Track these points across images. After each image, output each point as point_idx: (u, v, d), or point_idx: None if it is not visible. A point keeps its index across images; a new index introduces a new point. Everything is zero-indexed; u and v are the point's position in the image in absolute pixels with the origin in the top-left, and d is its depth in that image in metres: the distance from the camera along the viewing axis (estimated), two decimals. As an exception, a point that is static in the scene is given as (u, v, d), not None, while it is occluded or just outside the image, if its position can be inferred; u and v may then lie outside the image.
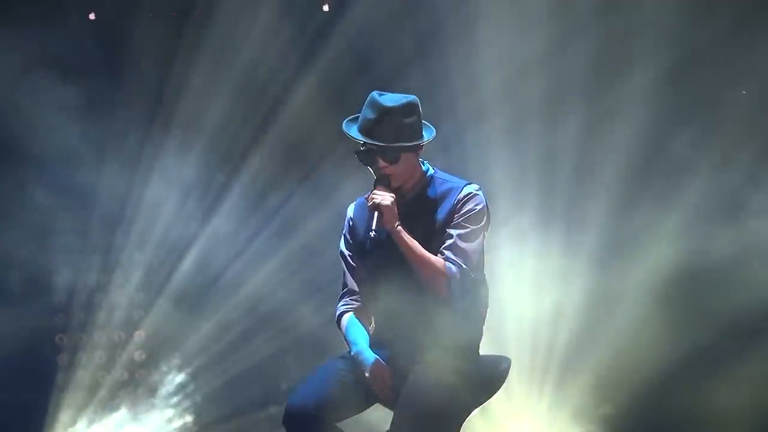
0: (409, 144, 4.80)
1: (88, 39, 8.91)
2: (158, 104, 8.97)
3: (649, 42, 8.51)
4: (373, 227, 4.75)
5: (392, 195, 4.78)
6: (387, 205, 4.74)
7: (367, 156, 4.83)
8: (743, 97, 8.51)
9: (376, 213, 4.76)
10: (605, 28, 8.56)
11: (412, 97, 4.86)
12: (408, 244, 4.74)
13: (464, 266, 4.77)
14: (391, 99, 4.82)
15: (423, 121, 4.89)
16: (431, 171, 4.94)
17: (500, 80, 8.68)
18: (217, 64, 8.94)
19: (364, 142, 4.81)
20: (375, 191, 4.80)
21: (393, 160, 4.81)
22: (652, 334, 8.43)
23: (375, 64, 8.85)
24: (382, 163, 4.82)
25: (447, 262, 4.76)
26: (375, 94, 4.86)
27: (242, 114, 9.04)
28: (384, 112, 4.79)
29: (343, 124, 4.91)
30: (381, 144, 4.78)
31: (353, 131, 4.85)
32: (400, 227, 4.74)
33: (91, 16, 9.06)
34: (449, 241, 4.80)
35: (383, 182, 4.82)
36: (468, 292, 4.80)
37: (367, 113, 4.83)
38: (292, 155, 9.10)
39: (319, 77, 8.94)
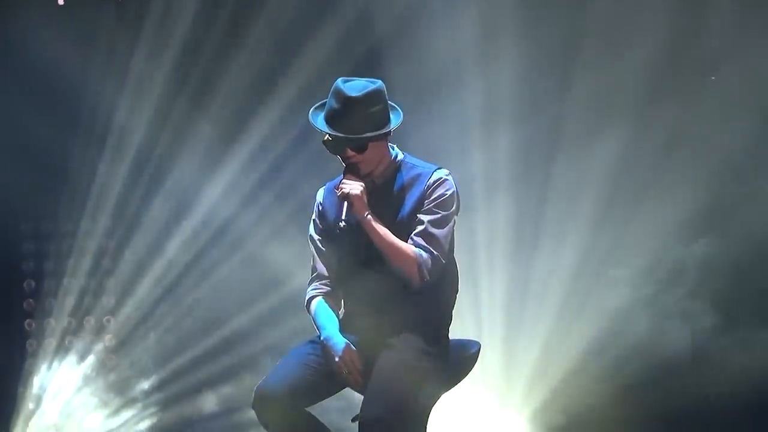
0: (375, 134, 4.76)
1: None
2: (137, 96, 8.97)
3: (631, 37, 8.50)
4: (343, 217, 4.73)
5: (361, 184, 4.76)
6: (356, 195, 4.72)
7: (334, 145, 4.79)
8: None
9: (345, 202, 4.74)
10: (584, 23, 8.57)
11: (377, 84, 4.80)
12: (378, 233, 4.72)
13: (435, 252, 4.75)
14: (355, 88, 4.76)
15: (391, 103, 4.85)
16: (400, 156, 4.91)
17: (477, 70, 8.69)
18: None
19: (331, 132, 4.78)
20: (344, 180, 4.77)
21: (360, 149, 4.78)
22: (629, 333, 8.45)
23: (351, 48, 8.82)
24: (349, 152, 4.78)
25: (418, 249, 4.75)
26: (339, 82, 4.80)
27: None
28: (348, 102, 4.74)
29: (310, 113, 4.86)
30: (346, 136, 4.75)
31: (319, 121, 4.81)
32: (369, 216, 4.73)
33: (60, 1, 9.01)
34: (420, 228, 4.78)
35: (352, 171, 4.80)
36: (439, 277, 4.79)
37: (332, 103, 4.78)
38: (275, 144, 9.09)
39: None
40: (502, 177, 8.68)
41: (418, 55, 8.74)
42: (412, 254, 4.73)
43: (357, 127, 4.74)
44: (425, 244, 4.76)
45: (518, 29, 8.60)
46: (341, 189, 4.75)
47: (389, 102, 4.85)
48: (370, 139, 4.77)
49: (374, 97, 4.77)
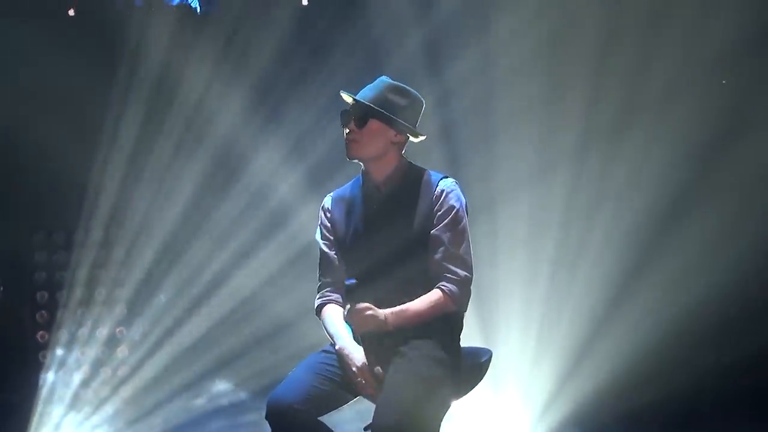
0: (377, 107, 4.79)
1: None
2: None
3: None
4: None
5: (369, 312, 4.71)
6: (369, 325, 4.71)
7: (345, 116, 4.86)
8: None
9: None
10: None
11: (416, 92, 4.89)
12: (408, 321, 4.72)
13: (461, 274, 4.77)
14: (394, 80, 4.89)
15: (419, 124, 4.89)
16: (408, 164, 4.92)
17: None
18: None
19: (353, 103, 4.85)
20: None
21: (360, 123, 4.81)
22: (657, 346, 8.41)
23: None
24: (352, 124, 4.82)
25: (444, 284, 4.75)
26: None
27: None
28: (380, 81, 4.87)
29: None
30: (351, 97, 4.84)
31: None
32: (385, 319, 4.71)
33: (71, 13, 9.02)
34: (441, 249, 4.78)
35: (350, 151, 4.80)
36: (469, 293, 4.81)
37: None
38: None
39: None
40: (525, 185, 8.68)
41: (444, 67, 8.75)
42: (441, 300, 4.75)
43: (368, 98, 4.83)
44: (450, 266, 4.76)
45: (549, 42, 8.61)
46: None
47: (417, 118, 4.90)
48: (372, 111, 4.79)
49: (403, 92, 4.87)
